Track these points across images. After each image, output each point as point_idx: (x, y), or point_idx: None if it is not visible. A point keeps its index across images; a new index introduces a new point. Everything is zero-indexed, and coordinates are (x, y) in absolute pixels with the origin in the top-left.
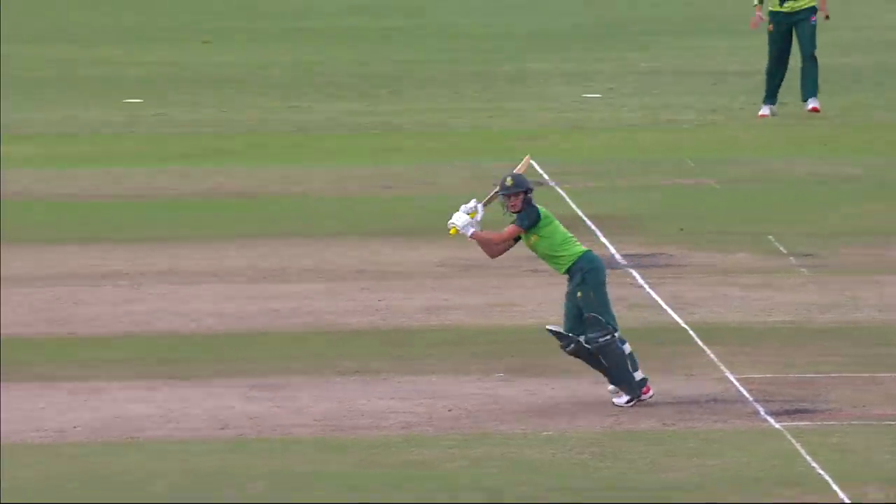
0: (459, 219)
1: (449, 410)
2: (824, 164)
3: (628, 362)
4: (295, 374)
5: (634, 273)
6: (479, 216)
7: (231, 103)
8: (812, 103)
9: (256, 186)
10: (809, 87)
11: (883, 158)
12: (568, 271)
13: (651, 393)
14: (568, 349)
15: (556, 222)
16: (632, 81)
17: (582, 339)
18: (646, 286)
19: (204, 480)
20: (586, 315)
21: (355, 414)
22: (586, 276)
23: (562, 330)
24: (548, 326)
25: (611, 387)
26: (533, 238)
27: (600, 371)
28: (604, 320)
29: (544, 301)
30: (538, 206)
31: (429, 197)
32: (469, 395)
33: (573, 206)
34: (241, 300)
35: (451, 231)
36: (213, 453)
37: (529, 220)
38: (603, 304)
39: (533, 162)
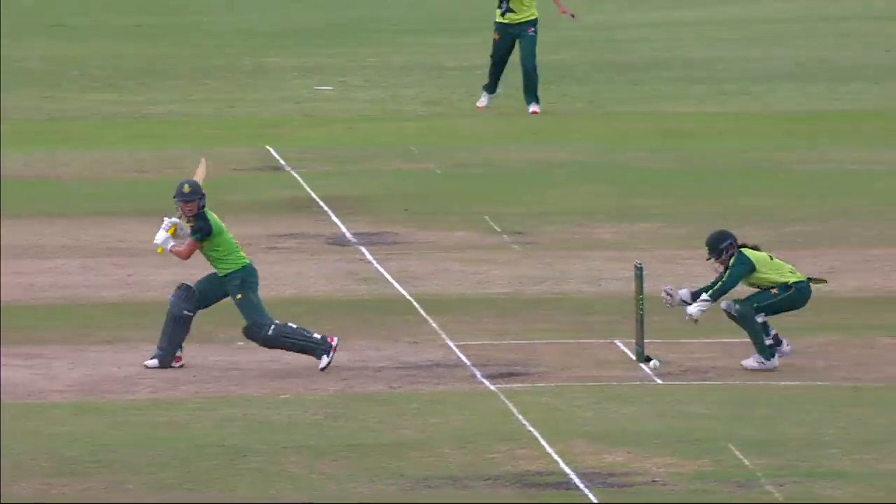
0: (159, 237)
1: (194, 376)
2: (535, 151)
3: (302, 333)
4: (51, 344)
5: (364, 250)
6: (180, 229)
7: None
8: (533, 107)
9: (17, 170)
10: (531, 95)
11: (587, 146)
12: (227, 275)
13: (335, 341)
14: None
15: (226, 233)
16: (360, 75)
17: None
18: (374, 262)
19: None
20: (245, 326)
21: (107, 380)
22: (245, 284)
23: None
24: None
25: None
26: (205, 244)
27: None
28: (260, 321)
29: (283, 275)
30: (210, 220)
31: (177, 180)
32: (213, 362)
33: (308, 188)
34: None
35: (159, 250)
36: None
37: (203, 234)
38: (258, 305)
39: (270, 148)
